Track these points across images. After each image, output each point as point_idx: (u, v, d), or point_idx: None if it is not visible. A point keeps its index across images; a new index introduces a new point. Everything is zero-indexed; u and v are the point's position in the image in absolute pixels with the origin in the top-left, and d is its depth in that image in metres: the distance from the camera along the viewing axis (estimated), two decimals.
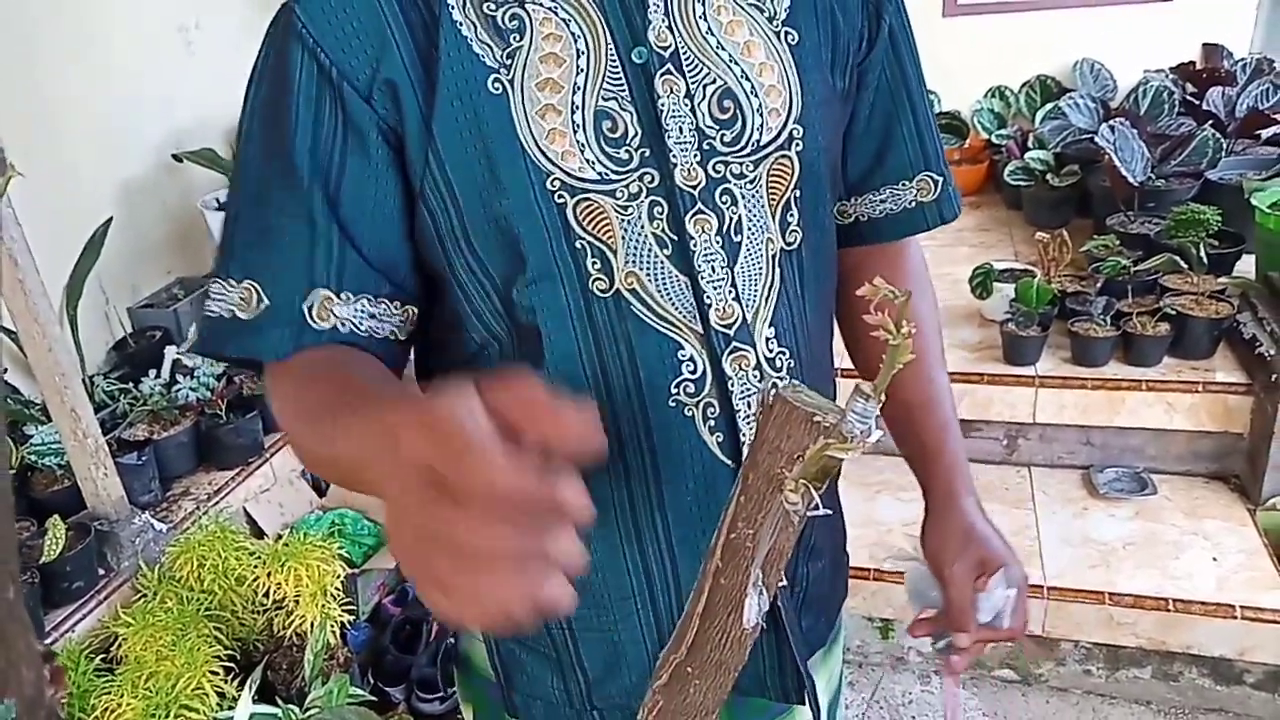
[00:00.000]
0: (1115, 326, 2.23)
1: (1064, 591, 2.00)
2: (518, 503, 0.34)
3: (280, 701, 1.63)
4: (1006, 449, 2.41)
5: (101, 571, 1.78)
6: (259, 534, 2.08)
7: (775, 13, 0.70)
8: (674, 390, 0.68)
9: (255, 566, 1.78)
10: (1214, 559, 2.03)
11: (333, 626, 1.77)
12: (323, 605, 1.76)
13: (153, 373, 2.18)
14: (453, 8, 0.64)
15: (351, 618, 1.89)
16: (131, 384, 2.17)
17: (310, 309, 0.65)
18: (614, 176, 0.65)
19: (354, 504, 2.23)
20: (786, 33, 0.70)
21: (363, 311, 0.67)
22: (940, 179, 0.83)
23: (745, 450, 0.69)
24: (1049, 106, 3.16)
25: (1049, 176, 2.93)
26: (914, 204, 0.83)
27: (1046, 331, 2.27)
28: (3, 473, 0.21)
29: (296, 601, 1.75)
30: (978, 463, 2.43)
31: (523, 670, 0.81)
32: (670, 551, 0.72)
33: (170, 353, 2.25)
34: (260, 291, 0.66)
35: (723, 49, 0.68)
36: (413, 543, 0.36)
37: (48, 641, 1.69)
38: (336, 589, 1.79)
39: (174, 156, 2.47)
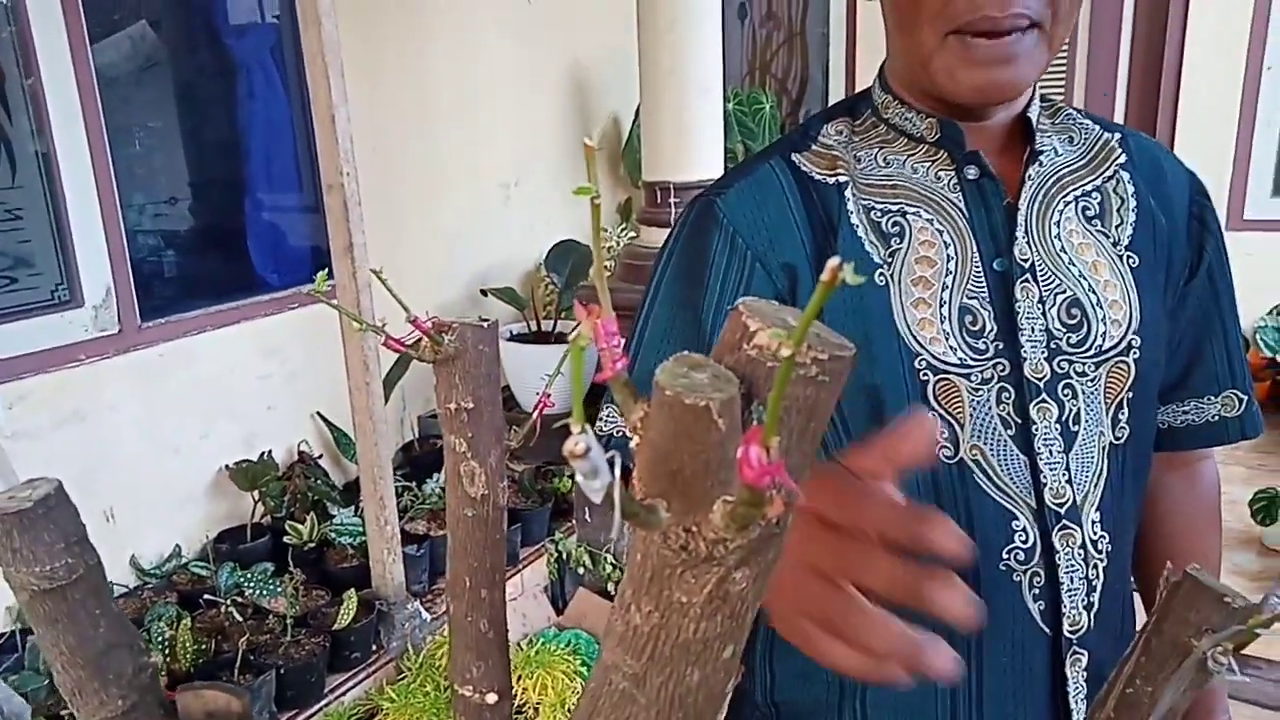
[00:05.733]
0: None
1: None
2: (905, 541, 0.36)
3: None
4: None
5: (375, 647, 1.97)
6: None
7: (1119, 239, 0.80)
8: (1005, 555, 0.75)
9: None
10: None
11: None
12: None
13: (435, 476, 2.45)
14: (852, 213, 0.78)
15: None
16: (414, 483, 2.44)
17: None
18: (971, 362, 0.75)
19: (587, 627, 2.34)
20: (1128, 256, 0.80)
21: None
22: (1246, 397, 0.88)
23: (1065, 620, 0.76)
24: None
25: None
26: (1217, 418, 0.88)
27: None
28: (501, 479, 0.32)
29: (536, 710, 1.85)
30: (1256, 706, 2.19)
31: None
32: (979, 704, 0.77)
33: None
34: None
35: (1073, 265, 0.78)
36: (797, 578, 0.38)
37: (321, 704, 1.88)
38: (574, 706, 1.88)
39: (481, 291, 2.83)
